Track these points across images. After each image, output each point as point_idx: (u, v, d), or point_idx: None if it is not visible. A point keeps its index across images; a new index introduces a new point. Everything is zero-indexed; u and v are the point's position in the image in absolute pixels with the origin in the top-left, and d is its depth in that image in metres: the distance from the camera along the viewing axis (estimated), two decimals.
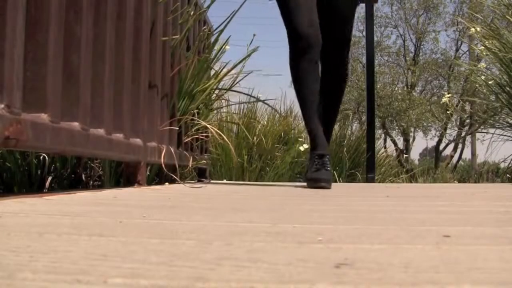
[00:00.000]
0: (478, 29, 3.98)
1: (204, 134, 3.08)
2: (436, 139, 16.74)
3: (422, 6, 15.99)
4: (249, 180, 4.34)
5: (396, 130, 16.43)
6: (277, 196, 1.73)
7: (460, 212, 1.13)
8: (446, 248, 0.57)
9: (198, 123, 2.73)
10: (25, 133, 1.15)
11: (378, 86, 14.58)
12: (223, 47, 2.97)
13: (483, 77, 4.02)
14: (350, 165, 5.15)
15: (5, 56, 1.09)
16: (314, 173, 2.33)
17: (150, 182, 2.45)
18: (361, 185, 3.48)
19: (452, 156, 16.50)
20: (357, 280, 0.41)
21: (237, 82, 3.18)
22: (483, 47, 3.84)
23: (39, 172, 2.20)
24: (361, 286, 0.40)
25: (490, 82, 3.88)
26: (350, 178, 5.07)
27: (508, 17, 3.68)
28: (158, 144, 2.18)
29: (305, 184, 2.47)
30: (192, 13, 2.65)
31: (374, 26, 8.01)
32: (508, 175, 4.27)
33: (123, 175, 2.04)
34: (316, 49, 2.38)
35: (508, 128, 3.77)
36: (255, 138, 4.63)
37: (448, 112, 12.22)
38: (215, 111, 3.50)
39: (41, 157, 2.17)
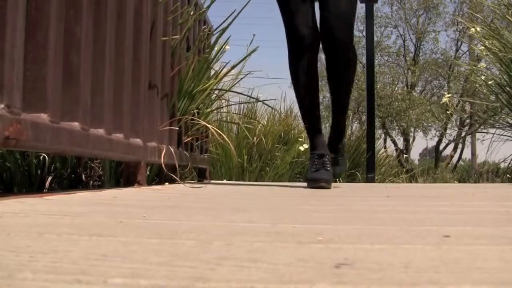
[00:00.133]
0: (478, 29, 3.98)
1: (204, 134, 3.08)
2: (436, 139, 16.75)
3: (422, 6, 15.99)
4: (249, 180, 4.34)
5: (396, 130, 16.43)
6: (277, 196, 1.73)
7: (460, 212, 1.13)
8: (446, 248, 0.57)
9: (198, 123, 2.73)
10: (25, 133, 1.15)
11: (378, 86, 14.58)
12: (223, 47, 2.97)
13: (483, 77, 4.02)
14: (350, 165, 5.15)
15: (5, 56, 1.09)
16: (314, 173, 2.33)
17: (150, 182, 2.45)
18: (361, 185, 3.48)
19: (452, 156, 16.51)
20: (357, 280, 0.41)
21: (237, 82, 3.19)
22: (483, 47, 3.84)
23: (39, 172, 2.20)
24: (361, 286, 0.40)
25: (490, 82, 3.88)
26: (350, 178, 5.07)
27: (508, 17, 3.68)
28: (158, 144, 2.18)
29: (305, 184, 2.47)
30: (192, 13, 2.65)
31: (374, 26, 8.01)
32: (508, 175, 4.27)
33: (123, 175, 2.04)
34: (315, 49, 2.38)
35: (508, 128, 3.77)
36: (255, 138, 4.63)
37: (448, 112, 12.22)
38: (215, 111, 3.50)
39: (41, 157, 2.17)
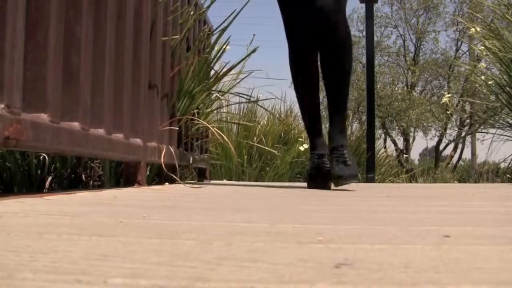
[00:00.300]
0: (478, 29, 3.98)
1: (204, 134, 3.08)
2: (436, 139, 16.76)
3: (422, 6, 16.00)
4: (249, 180, 4.34)
5: (396, 130, 16.44)
6: (277, 196, 1.73)
7: (460, 212, 1.13)
8: (446, 248, 0.57)
9: (198, 123, 2.73)
10: (25, 133, 1.15)
11: (378, 86, 14.59)
12: (223, 47, 2.97)
13: (483, 77, 4.02)
14: None
15: (5, 56, 1.09)
16: (313, 173, 2.33)
17: (150, 182, 2.45)
18: (361, 185, 3.48)
19: (452, 156, 16.51)
20: (357, 280, 0.41)
21: (237, 83, 3.19)
22: (483, 47, 3.85)
23: (39, 172, 2.20)
24: (361, 286, 0.40)
25: (490, 82, 3.88)
26: None
27: (508, 17, 3.68)
28: (158, 144, 2.18)
29: (305, 184, 2.47)
30: (192, 13, 2.65)
31: (374, 26, 8.01)
32: (508, 175, 4.27)
33: (123, 175, 2.04)
34: (315, 49, 2.37)
35: (508, 128, 3.77)
36: (255, 138, 4.63)
37: (448, 112, 12.23)
38: (215, 111, 3.50)
39: (41, 157, 2.17)
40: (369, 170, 4.76)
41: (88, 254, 0.51)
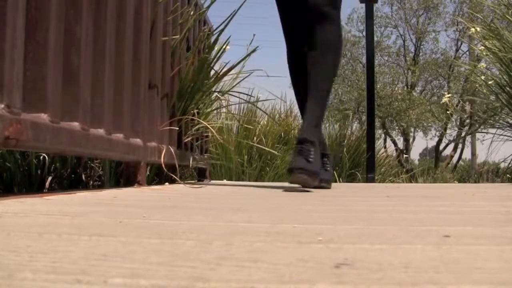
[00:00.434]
0: (478, 29, 3.98)
1: (204, 134, 3.08)
2: (436, 139, 16.76)
3: (422, 6, 16.00)
4: (249, 180, 4.34)
5: (396, 130, 16.44)
6: (277, 196, 1.73)
7: (460, 212, 1.13)
8: (446, 248, 0.57)
9: (198, 123, 2.73)
10: (25, 133, 1.15)
11: (378, 86, 14.59)
12: (223, 47, 2.97)
13: (483, 77, 4.02)
14: (350, 165, 5.16)
15: (5, 56, 1.09)
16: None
17: (150, 182, 2.45)
18: (361, 185, 3.48)
19: (452, 156, 16.51)
20: (357, 280, 0.41)
21: (238, 83, 3.18)
22: (483, 47, 3.85)
23: (39, 172, 2.20)
24: (361, 286, 0.40)
25: (490, 82, 3.88)
26: (350, 178, 5.07)
27: (508, 17, 3.68)
28: (158, 144, 2.18)
29: None
30: (192, 13, 2.65)
31: (374, 26, 8.02)
32: (508, 175, 4.27)
33: (123, 175, 2.04)
34: None
35: (508, 128, 3.77)
36: (255, 138, 4.63)
37: (448, 112, 12.23)
38: (215, 111, 3.50)
39: (41, 157, 2.17)
40: (369, 170, 4.76)
41: (88, 254, 0.51)
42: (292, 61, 2.38)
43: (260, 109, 4.29)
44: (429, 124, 15.75)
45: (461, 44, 16.21)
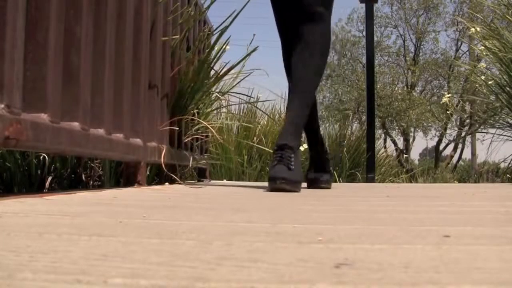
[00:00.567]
0: (478, 29, 3.98)
1: (204, 134, 3.08)
2: (436, 139, 16.77)
3: (422, 6, 16.01)
4: (249, 180, 4.34)
5: (396, 130, 16.46)
6: (277, 196, 1.73)
7: (460, 212, 1.13)
8: (446, 248, 0.57)
9: (198, 123, 2.73)
10: (25, 133, 1.15)
11: (378, 86, 14.60)
12: (223, 47, 2.96)
13: (483, 77, 4.02)
14: (350, 165, 5.16)
15: (5, 56, 1.09)
16: (312, 173, 2.34)
17: (150, 182, 2.45)
18: (361, 185, 3.48)
19: (452, 156, 16.52)
20: (357, 280, 0.41)
21: (238, 83, 3.19)
22: (483, 47, 3.84)
23: (39, 172, 2.20)
24: (361, 286, 0.40)
25: (490, 82, 3.88)
26: (350, 178, 5.07)
27: (508, 17, 3.68)
28: (158, 144, 2.18)
29: (305, 184, 2.47)
30: (192, 13, 2.65)
31: (374, 26, 8.01)
32: (508, 175, 4.27)
33: (123, 175, 2.04)
34: None
35: (508, 128, 3.77)
36: (255, 138, 4.63)
37: (448, 112, 12.23)
38: (215, 111, 3.50)
39: (41, 157, 2.17)
40: (369, 170, 4.76)
41: (88, 254, 0.51)
42: (287, 59, 2.38)
43: (260, 109, 4.30)
44: (429, 124, 15.76)
45: (461, 44, 16.23)
